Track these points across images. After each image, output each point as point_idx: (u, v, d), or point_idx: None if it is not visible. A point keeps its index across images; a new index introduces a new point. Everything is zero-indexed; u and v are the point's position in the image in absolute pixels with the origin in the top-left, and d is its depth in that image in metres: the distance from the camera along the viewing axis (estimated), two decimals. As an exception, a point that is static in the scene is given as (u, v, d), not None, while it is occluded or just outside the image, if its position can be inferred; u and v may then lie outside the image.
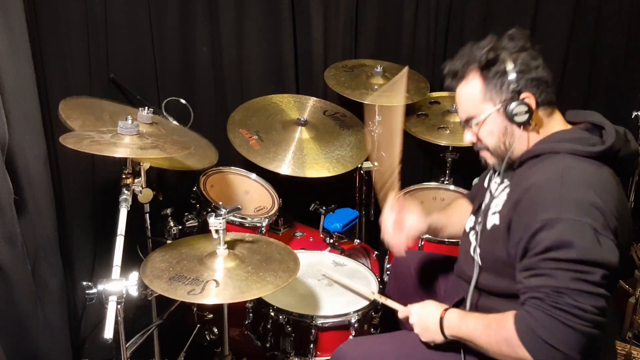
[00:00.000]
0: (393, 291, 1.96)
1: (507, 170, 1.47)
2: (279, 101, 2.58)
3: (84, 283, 1.40)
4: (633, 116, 2.35)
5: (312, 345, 1.86)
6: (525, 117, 1.38)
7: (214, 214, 1.64)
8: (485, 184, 1.64)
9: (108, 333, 1.31)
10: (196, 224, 2.24)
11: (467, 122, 1.49)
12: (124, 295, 1.40)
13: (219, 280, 1.58)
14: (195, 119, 2.37)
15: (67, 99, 1.96)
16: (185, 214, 2.27)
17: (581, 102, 3.04)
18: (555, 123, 1.44)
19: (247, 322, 2.00)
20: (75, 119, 1.88)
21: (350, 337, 1.86)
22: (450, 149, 2.67)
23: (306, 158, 2.31)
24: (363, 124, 2.58)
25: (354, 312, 1.87)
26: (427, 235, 2.27)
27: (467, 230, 1.63)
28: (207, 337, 2.22)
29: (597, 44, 2.97)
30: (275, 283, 1.59)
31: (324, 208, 2.39)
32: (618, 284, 1.52)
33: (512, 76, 1.38)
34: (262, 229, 2.24)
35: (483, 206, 1.54)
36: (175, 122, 2.31)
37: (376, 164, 1.84)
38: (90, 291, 1.39)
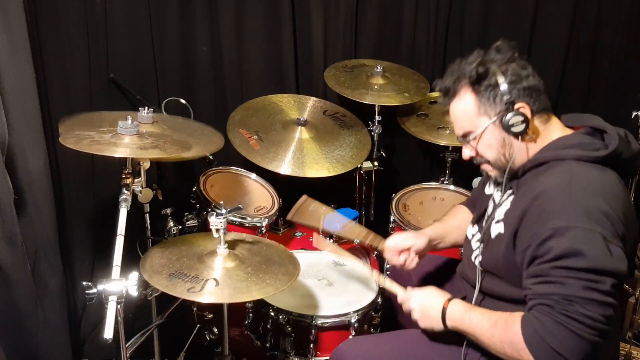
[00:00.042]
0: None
1: (510, 180, 1.47)
2: (279, 101, 2.58)
3: (84, 283, 1.40)
4: (633, 116, 2.35)
5: (312, 345, 1.86)
6: (522, 127, 1.38)
7: (215, 213, 1.64)
8: (487, 191, 1.64)
9: (108, 333, 1.31)
10: (196, 223, 2.24)
11: (464, 138, 1.49)
12: (124, 295, 1.40)
13: (219, 279, 1.58)
14: (195, 118, 2.37)
15: (65, 121, 1.90)
16: (185, 214, 2.28)
17: (581, 103, 3.04)
18: (554, 129, 1.44)
19: (247, 322, 2.00)
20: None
21: (350, 337, 1.86)
22: (450, 149, 2.67)
23: (306, 158, 2.31)
24: (363, 124, 2.58)
25: (354, 312, 1.87)
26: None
27: (470, 237, 1.63)
28: (207, 337, 2.22)
29: (597, 44, 2.97)
30: (274, 285, 1.60)
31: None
32: (622, 288, 1.52)
33: (503, 88, 1.38)
34: (262, 229, 2.24)
35: (486, 215, 1.55)
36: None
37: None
38: (90, 291, 1.39)
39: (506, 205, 1.46)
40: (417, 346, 1.57)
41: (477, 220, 1.63)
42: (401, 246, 1.74)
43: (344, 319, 1.86)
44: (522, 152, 1.42)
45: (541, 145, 1.42)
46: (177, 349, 2.15)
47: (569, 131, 1.45)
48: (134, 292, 1.41)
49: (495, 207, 1.51)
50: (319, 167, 2.29)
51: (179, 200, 2.29)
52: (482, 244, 1.51)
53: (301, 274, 2.05)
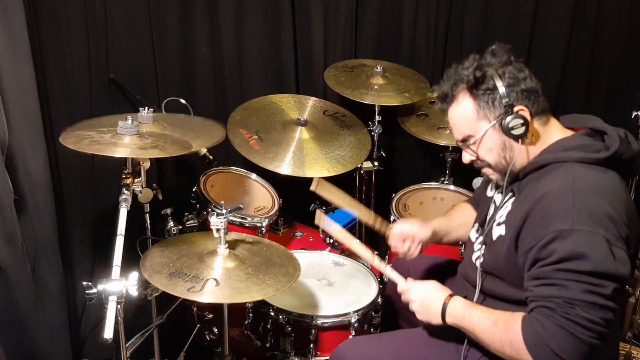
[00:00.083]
0: (393, 291, 1.96)
1: (511, 182, 1.47)
2: (279, 101, 2.58)
3: (84, 283, 1.40)
4: (633, 116, 2.35)
5: (312, 345, 1.86)
6: (522, 130, 1.38)
7: (216, 213, 1.64)
8: (489, 193, 1.64)
9: (108, 333, 1.31)
10: (196, 223, 2.24)
11: (464, 142, 1.49)
12: (124, 295, 1.40)
13: (219, 279, 1.58)
14: (195, 118, 2.37)
15: (66, 131, 1.83)
16: (185, 214, 2.28)
17: (581, 103, 3.04)
18: (553, 131, 1.44)
19: (247, 322, 2.00)
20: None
21: (350, 337, 1.86)
22: (450, 149, 2.67)
23: (306, 158, 2.31)
24: (363, 124, 2.58)
25: (354, 312, 1.87)
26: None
27: (473, 239, 1.63)
28: (207, 337, 2.22)
29: (597, 44, 2.97)
30: (275, 286, 1.60)
31: (324, 208, 2.39)
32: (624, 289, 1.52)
33: (502, 91, 1.38)
34: (262, 229, 2.24)
35: (488, 218, 1.55)
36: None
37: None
38: (90, 291, 1.39)
39: (507, 208, 1.46)
40: (417, 346, 1.57)
41: (480, 222, 1.63)
42: (407, 233, 1.74)
43: (344, 319, 1.86)
44: (522, 155, 1.42)
45: (541, 147, 1.42)
46: (177, 349, 2.15)
47: (568, 132, 1.45)
48: (134, 292, 1.41)
49: (497, 209, 1.52)
50: (319, 167, 2.29)
51: (179, 200, 2.29)
52: (483, 246, 1.51)
53: (301, 274, 2.06)
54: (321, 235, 2.41)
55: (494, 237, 1.47)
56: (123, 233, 1.54)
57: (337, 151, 2.38)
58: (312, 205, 2.41)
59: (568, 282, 1.24)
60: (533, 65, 2.72)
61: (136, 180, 1.76)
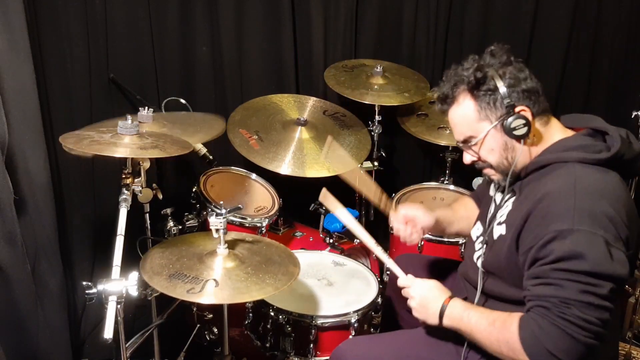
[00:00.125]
0: (393, 291, 1.96)
1: (512, 182, 1.47)
2: (278, 101, 2.58)
3: (84, 283, 1.40)
4: (633, 116, 2.35)
5: (312, 345, 1.86)
6: (524, 130, 1.38)
7: (215, 214, 1.64)
8: (491, 192, 1.64)
9: (108, 333, 1.31)
10: (196, 224, 2.24)
11: (465, 143, 1.49)
12: (124, 295, 1.40)
13: (219, 280, 1.58)
14: (195, 119, 2.37)
15: (65, 136, 1.80)
16: (185, 214, 2.28)
17: (581, 103, 3.04)
18: (554, 131, 1.44)
19: (247, 322, 2.00)
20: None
21: (350, 337, 1.86)
22: (450, 149, 2.67)
23: (306, 158, 2.31)
24: (363, 124, 2.58)
25: (354, 312, 1.87)
26: (427, 235, 2.27)
27: (474, 238, 1.63)
28: (207, 337, 2.22)
29: (597, 44, 2.97)
30: (274, 285, 1.59)
31: (324, 208, 2.39)
32: (623, 289, 1.52)
33: (503, 91, 1.38)
34: (262, 229, 2.24)
35: (488, 217, 1.55)
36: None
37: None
38: (90, 291, 1.39)
39: (508, 207, 1.46)
40: (417, 346, 1.57)
41: (481, 220, 1.63)
42: (410, 216, 1.74)
43: (344, 319, 1.86)
44: (524, 155, 1.42)
45: (543, 147, 1.42)
46: (177, 349, 2.15)
47: (569, 132, 1.45)
48: (134, 292, 1.41)
49: (497, 208, 1.52)
50: (319, 167, 2.29)
51: (179, 200, 2.29)
52: (484, 246, 1.51)
53: (301, 274, 2.05)
54: (321, 235, 2.41)
55: (495, 236, 1.47)
56: (123, 233, 1.54)
57: (337, 151, 2.38)
58: (312, 205, 2.41)
59: (565, 282, 1.25)
60: (533, 65, 2.73)
61: (136, 180, 1.75)
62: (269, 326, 1.90)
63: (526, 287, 1.33)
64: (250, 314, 1.99)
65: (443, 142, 2.60)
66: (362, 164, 2.54)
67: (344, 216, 1.82)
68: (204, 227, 2.23)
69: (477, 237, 1.61)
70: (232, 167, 2.50)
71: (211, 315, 2.20)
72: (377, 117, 2.58)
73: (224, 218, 1.63)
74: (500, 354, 1.34)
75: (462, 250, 2.25)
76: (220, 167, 2.46)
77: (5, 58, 1.84)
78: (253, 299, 1.79)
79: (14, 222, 1.83)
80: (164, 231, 2.12)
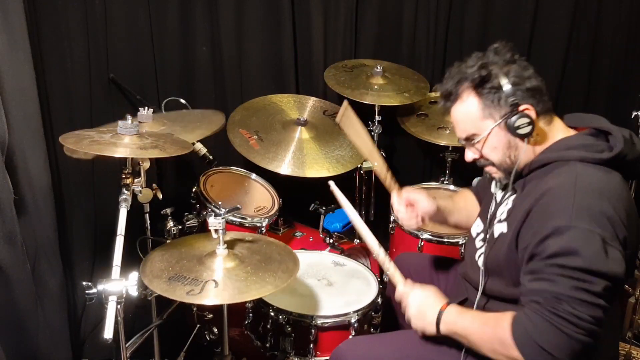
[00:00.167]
0: (393, 291, 1.95)
1: (513, 180, 1.46)
2: (278, 101, 2.58)
3: (84, 283, 1.40)
4: (633, 116, 2.35)
5: (312, 345, 1.86)
6: (528, 129, 1.37)
7: (214, 214, 1.64)
8: (492, 190, 1.63)
9: (108, 333, 1.31)
10: (196, 224, 2.24)
11: (467, 141, 1.48)
12: (124, 295, 1.40)
13: (218, 280, 1.58)
14: (195, 119, 2.37)
15: (65, 136, 1.78)
16: (185, 214, 2.28)
17: (581, 103, 3.04)
18: (557, 130, 1.44)
19: (247, 322, 2.00)
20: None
21: (350, 337, 1.86)
22: (450, 149, 2.67)
23: (306, 158, 2.31)
24: (363, 124, 2.57)
25: (354, 312, 1.87)
26: (427, 236, 2.27)
27: (474, 235, 1.63)
28: (206, 337, 2.22)
29: (597, 44, 2.97)
30: (274, 284, 1.59)
31: (323, 208, 2.39)
32: (622, 289, 1.52)
33: (507, 90, 1.37)
34: (262, 229, 2.24)
35: (489, 214, 1.55)
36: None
37: (375, 163, 1.84)
38: (90, 291, 1.39)
39: (508, 205, 1.46)
40: (417, 346, 1.57)
41: (481, 218, 1.63)
42: (413, 199, 1.72)
43: (344, 319, 1.86)
44: (526, 154, 1.42)
45: (545, 146, 1.42)
46: (177, 349, 2.15)
47: (572, 132, 1.45)
48: (133, 292, 1.41)
49: (497, 205, 1.51)
50: (319, 167, 2.29)
51: (179, 200, 2.29)
52: (485, 243, 1.51)
53: (301, 274, 2.06)
54: (321, 235, 2.41)
55: (496, 234, 1.47)
56: (123, 233, 1.54)
57: (337, 151, 2.38)
58: (312, 205, 2.41)
59: (558, 277, 1.25)
60: (533, 65, 2.71)
61: (136, 180, 1.75)
62: (269, 326, 1.90)
63: (522, 283, 1.33)
64: (250, 314, 1.99)
65: (443, 142, 2.60)
66: (362, 164, 2.54)
67: (351, 211, 1.78)
68: (203, 227, 2.23)
69: (477, 235, 1.61)
70: (232, 167, 2.50)
71: (211, 315, 2.20)
72: (377, 117, 2.58)
73: (222, 218, 1.63)
74: (495, 353, 1.34)
75: (462, 251, 2.25)
76: (220, 167, 2.46)
77: (5, 58, 1.84)
78: (252, 298, 1.79)
79: (14, 222, 1.83)
80: (164, 231, 2.12)
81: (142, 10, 2.47)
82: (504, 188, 1.50)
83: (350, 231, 2.49)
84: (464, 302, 1.59)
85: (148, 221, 1.98)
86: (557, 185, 1.32)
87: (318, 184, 2.35)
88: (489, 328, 1.36)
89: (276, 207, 2.37)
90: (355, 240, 2.39)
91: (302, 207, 2.46)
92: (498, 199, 1.53)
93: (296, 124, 2.44)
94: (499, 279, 1.46)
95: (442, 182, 2.68)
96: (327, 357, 1.83)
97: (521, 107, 1.37)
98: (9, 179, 1.79)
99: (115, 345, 1.48)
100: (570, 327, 1.23)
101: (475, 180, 2.48)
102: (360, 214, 2.71)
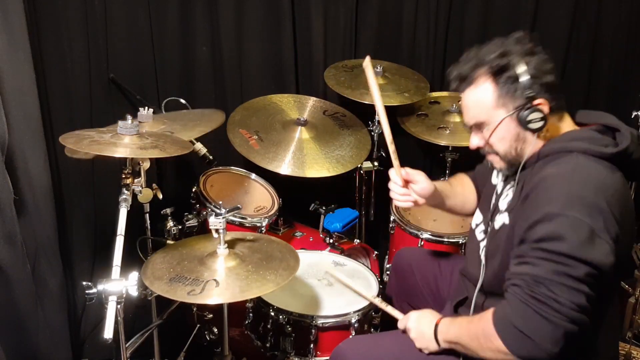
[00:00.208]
0: (394, 288, 1.96)
1: (514, 172, 1.46)
2: (278, 101, 2.58)
3: (84, 283, 1.40)
4: (633, 116, 2.35)
5: (312, 345, 1.86)
6: (540, 124, 1.35)
7: (214, 214, 1.64)
8: (493, 181, 1.62)
9: (108, 333, 1.31)
10: (196, 224, 2.23)
11: (476, 127, 1.45)
12: (124, 295, 1.40)
13: (219, 280, 1.58)
14: (195, 119, 2.37)
15: (65, 136, 1.77)
16: (185, 214, 2.27)
17: (581, 103, 3.04)
18: (566, 127, 1.43)
19: (247, 322, 2.00)
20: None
21: (350, 337, 1.85)
22: (450, 149, 2.67)
23: (306, 158, 2.31)
24: (363, 124, 2.58)
25: (354, 312, 1.87)
26: (427, 235, 2.27)
27: (474, 227, 1.63)
28: (207, 337, 2.22)
29: (597, 44, 2.97)
30: (275, 282, 1.59)
31: (324, 208, 2.39)
32: (617, 288, 1.51)
33: (525, 82, 1.34)
34: (262, 229, 2.24)
35: (491, 206, 1.54)
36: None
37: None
38: (90, 291, 1.39)
39: (509, 196, 1.45)
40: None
41: (482, 210, 1.62)
42: (411, 178, 1.67)
43: (344, 319, 1.86)
44: (534, 147, 1.40)
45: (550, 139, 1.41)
46: (177, 349, 2.15)
47: (578, 128, 1.44)
48: (134, 292, 1.41)
49: (498, 197, 1.51)
50: (319, 167, 2.29)
51: (179, 200, 2.29)
52: (486, 236, 1.51)
53: (301, 274, 2.06)
54: (321, 235, 2.41)
55: (497, 226, 1.47)
56: (123, 233, 1.54)
57: (337, 151, 2.38)
58: (312, 205, 2.41)
59: (540, 261, 1.24)
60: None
61: (136, 180, 1.75)
62: (269, 326, 1.90)
63: (508, 268, 1.33)
64: (251, 314, 1.99)
65: (443, 142, 2.60)
66: (362, 164, 2.54)
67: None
68: (203, 227, 2.23)
69: (477, 226, 1.60)
70: (232, 167, 2.50)
71: (211, 315, 2.20)
72: (377, 117, 2.58)
73: (223, 218, 1.63)
74: (482, 348, 1.34)
75: (463, 250, 2.25)
76: (220, 167, 2.46)
77: (5, 58, 1.84)
78: (253, 296, 1.79)
79: (14, 222, 1.83)
80: (164, 231, 2.12)
81: (142, 10, 2.47)
82: (506, 179, 1.50)
83: (350, 231, 2.49)
84: (464, 301, 1.60)
85: (148, 221, 1.97)
86: (554, 173, 1.32)
87: (318, 184, 2.36)
88: (474, 324, 1.36)
89: (276, 207, 2.37)
90: (355, 240, 2.39)
91: (302, 207, 2.46)
92: (499, 191, 1.52)
93: (296, 124, 2.44)
94: (500, 275, 1.46)
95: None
96: (328, 357, 1.83)
97: (536, 101, 1.35)
98: (9, 179, 1.79)
99: (115, 345, 1.48)
100: (549, 312, 1.22)
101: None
102: (360, 214, 2.72)
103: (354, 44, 2.82)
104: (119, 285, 1.39)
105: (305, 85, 2.81)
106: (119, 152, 1.60)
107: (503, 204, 1.46)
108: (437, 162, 2.92)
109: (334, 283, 2.06)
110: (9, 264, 1.82)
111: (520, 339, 1.25)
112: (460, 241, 2.27)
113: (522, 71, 1.34)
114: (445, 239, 2.27)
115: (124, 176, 1.74)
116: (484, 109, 1.40)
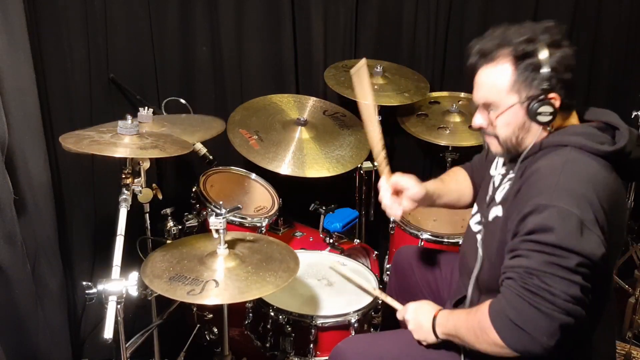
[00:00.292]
0: (394, 287, 1.96)
1: (511, 162, 1.46)
2: (278, 101, 2.58)
3: (84, 283, 1.40)
4: (633, 116, 2.35)
5: (312, 345, 1.86)
6: (548, 118, 1.34)
7: (214, 214, 1.64)
8: (491, 172, 1.61)
9: (108, 333, 1.31)
10: (196, 223, 2.24)
11: (483, 106, 1.43)
12: (124, 295, 1.40)
13: (219, 280, 1.58)
14: (195, 119, 2.37)
15: (65, 136, 1.76)
16: (185, 214, 2.28)
17: (581, 103, 2.98)
18: (570, 122, 1.43)
19: (247, 322, 2.00)
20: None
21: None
22: (450, 149, 2.67)
23: (306, 158, 2.31)
24: (363, 124, 2.58)
25: (354, 312, 1.87)
26: (426, 236, 2.27)
27: (470, 219, 1.63)
28: (207, 337, 2.22)
29: (597, 44, 2.97)
30: (275, 283, 1.59)
31: (324, 208, 2.39)
32: (611, 282, 1.50)
33: (545, 73, 1.32)
34: (262, 229, 2.24)
35: (487, 197, 1.54)
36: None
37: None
38: (90, 291, 1.39)
39: (505, 188, 1.45)
40: (416, 345, 1.57)
41: (478, 202, 1.62)
42: (400, 186, 1.65)
43: (344, 318, 1.86)
44: (534, 138, 1.39)
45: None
46: (177, 349, 2.15)
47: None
48: (134, 292, 1.41)
49: (495, 189, 1.51)
50: (319, 167, 2.29)
51: (179, 200, 2.29)
52: (482, 227, 1.51)
53: (301, 274, 2.06)
54: (321, 235, 2.41)
55: (491, 217, 1.46)
56: (123, 233, 1.54)
57: (337, 151, 2.38)
58: (312, 205, 2.41)
59: (531, 253, 1.24)
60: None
61: (136, 180, 1.75)
62: (269, 326, 1.90)
63: (504, 262, 1.33)
64: (250, 314, 1.99)
65: (443, 142, 2.60)
66: (362, 164, 2.54)
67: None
68: (203, 227, 2.23)
69: (472, 216, 1.60)
70: (232, 167, 2.50)
71: (211, 315, 2.20)
72: (377, 117, 2.57)
73: (223, 218, 1.63)
74: (478, 341, 1.33)
75: (461, 244, 2.25)
76: (220, 167, 2.46)
77: (5, 58, 1.84)
78: (253, 298, 1.79)
79: (14, 222, 1.83)
80: (164, 231, 2.12)
81: (142, 10, 2.47)
82: (506, 172, 1.49)
83: (350, 231, 2.49)
84: (463, 300, 1.59)
85: (148, 221, 1.98)
86: (545, 165, 1.31)
87: (318, 184, 2.36)
88: (470, 316, 1.36)
89: (276, 207, 2.37)
90: (355, 240, 2.39)
91: (302, 207, 2.46)
92: (497, 183, 1.52)
93: (296, 124, 2.44)
94: (496, 269, 1.45)
95: (442, 182, 2.67)
96: (327, 357, 1.83)
97: (550, 95, 1.33)
98: (9, 179, 1.79)
99: (115, 345, 1.48)
100: (542, 303, 1.22)
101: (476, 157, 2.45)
102: (360, 214, 2.72)
103: (354, 44, 2.82)
104: (119, 285, 1.39)
105: (305, 85, 2.81)
106: (119, 152, 1.60)
107: (499, 196, 1.46)
108: (437, 162, 2.91)
109: (334, 283, 2.06)
110: (9, 264, 1.82)
111: (515, 332, 1.25)
112: (460, 241, 2.26)
113: (545, 62, 1.32)
114: (445, 240, 2.27)
115: (124, 176, 1.74)
116: (497, 91, 1.38)
